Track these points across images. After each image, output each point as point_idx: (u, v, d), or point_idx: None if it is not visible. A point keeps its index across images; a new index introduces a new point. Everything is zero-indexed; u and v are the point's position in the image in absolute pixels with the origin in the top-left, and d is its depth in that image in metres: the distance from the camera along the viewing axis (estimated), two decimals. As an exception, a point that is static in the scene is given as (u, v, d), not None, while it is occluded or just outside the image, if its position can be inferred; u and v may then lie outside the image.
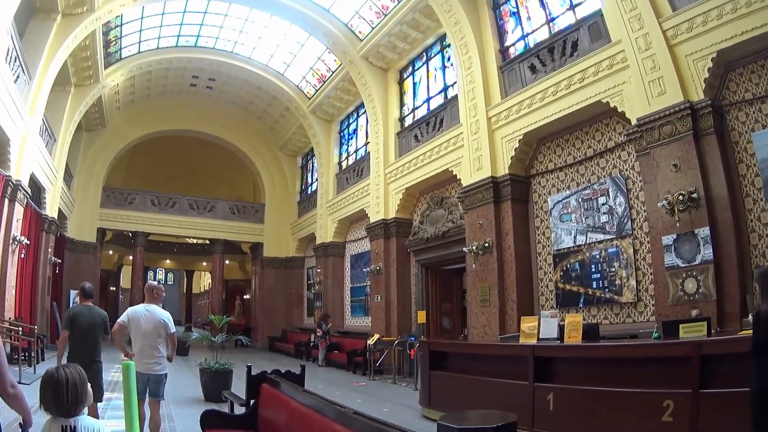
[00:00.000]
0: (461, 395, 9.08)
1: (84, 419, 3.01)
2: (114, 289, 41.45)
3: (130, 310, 7.07)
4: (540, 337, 8.40)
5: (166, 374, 6.97)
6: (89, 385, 3.14)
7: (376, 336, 16.00)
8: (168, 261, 46.20)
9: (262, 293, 28.03)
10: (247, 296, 39.76)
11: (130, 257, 30.49)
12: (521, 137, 12.70)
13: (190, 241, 47.16)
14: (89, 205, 24.97)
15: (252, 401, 6.43)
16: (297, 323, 26.86)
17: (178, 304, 56.35)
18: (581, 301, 11.23)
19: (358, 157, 21.84)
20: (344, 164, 22.99)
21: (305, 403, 4.88)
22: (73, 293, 22.84)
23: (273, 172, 28.53)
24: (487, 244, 12.81)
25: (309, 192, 27.01)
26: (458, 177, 14.51)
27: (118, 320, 6.94)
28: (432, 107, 17.05)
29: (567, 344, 7.78)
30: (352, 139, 22.79)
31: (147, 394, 6.67)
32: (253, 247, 29.36)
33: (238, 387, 9.10)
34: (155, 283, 7.54)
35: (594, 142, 11.59)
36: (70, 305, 22.75)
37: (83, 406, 3.03)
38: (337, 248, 22.35)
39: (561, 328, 8.13)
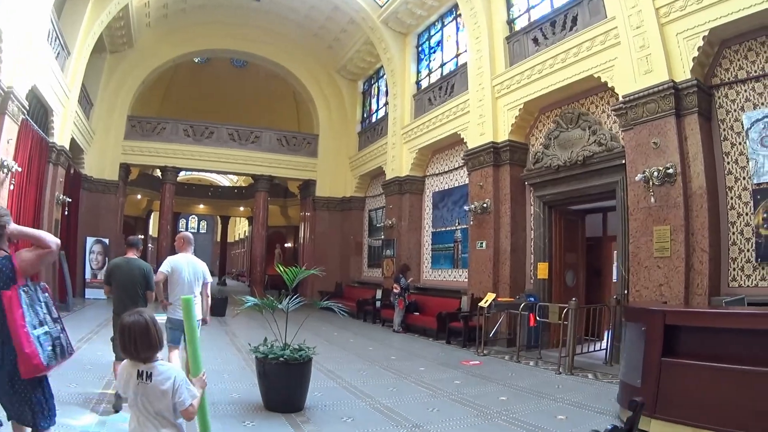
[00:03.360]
0: (717, 398, 5.48)
1: (160, 365, 3.08)
2: (142, 237, 37.09)
3: (172, 259, 7.25)
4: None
5: (201, 320, 6.87)
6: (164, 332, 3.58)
7: (491, 296, 11.86)
8: (201, 206, 42.28)
9: (313, 240, 24.03)
10: (288, 245, 36.36)
11: (158, 202, 26.48)
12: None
13: (226, 183, 45.66)
14: (111, 137, 21.37)
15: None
16: (355, 275, 23.04)
17: (211, 254, 53.22)
18: None
19: (444, 73, 17.41)
20: (424, 83, 18.60)
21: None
22: (90, 241, 19.38)
23: (329, 99, 24.24)
24: (670, 170, 9.08)
25: (374, 120, 22.78)
26: (609, 84, 10.81)
27: (161, 270, 7.11)
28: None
29: None
30: (435, 52, 18.31)
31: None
32: (304, 186, 25.38)
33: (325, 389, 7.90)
34: (187, 233, 7.70)
35: None
36: (87, 256, 19.37)
37: (157, 351, 3.10)
38: (415, 184, 18.18)
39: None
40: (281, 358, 6.69)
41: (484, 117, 13.93)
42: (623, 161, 10.50)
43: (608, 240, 14.25)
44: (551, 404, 7.52)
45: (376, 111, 22.71)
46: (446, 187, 16.87)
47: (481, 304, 11.66)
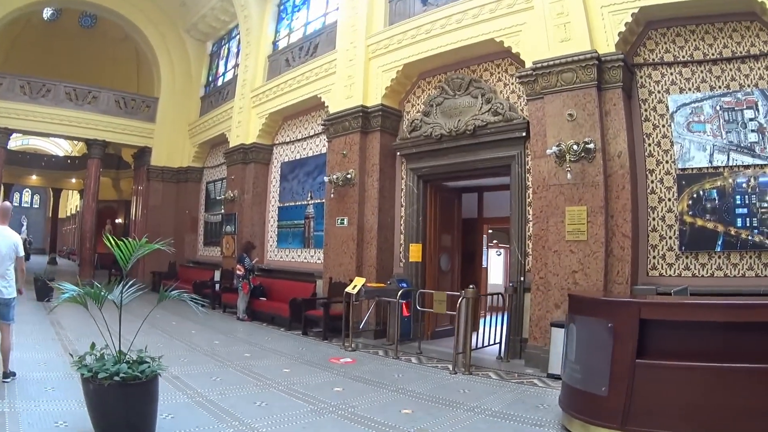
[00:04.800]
0: (697, 402, 4.59)
1: None
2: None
3: None
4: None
5: (14, 297, 6.44)
6: None
7: (360, 281, 9.76)
8: (34, 177, 37.17)
9: (145, 214, 20.61)
10: (119, 220, 32.67)
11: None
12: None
13: (60, 153, 40.90)
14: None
15: None
16: (190, 255, 20.06)
17: (43, 230, 48.01)
18: (719, 243, 7.53)
19: (308, 32, 14.92)
20: (282, 44, 16.02)
21: None
22: None
23: (174, 60, 20.96)
24: (590, 145, 7.91)
25: (220, 83, 19.81)
26: (513, 49, 9.50)
27: None
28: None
29: None
30: (299, 11, 15.74)
31: None
32: (139, 155, 21.90)
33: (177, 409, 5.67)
34: (7, 203, 6.94)
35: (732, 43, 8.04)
36: None
37: None
38: (262, 152, 15.65)
39: None
40: (116, 378, 4.36)
41: (354, 78, 11.75)
42: (524, 133, 9.20)
43: (482, 222, 12.70)
44: (472, 418, 5.76)
45: (224, 74, 19.76)
46: (298, 157, 14.52)
47: (349, 289, 9.53)
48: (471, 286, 8.44)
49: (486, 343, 9.10)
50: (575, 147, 7.89)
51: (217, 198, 18.44)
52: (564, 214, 8.11)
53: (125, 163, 27.04)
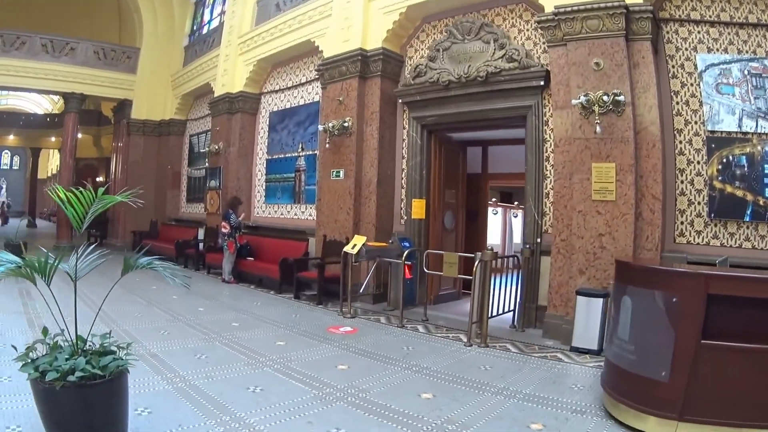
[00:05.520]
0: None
1: None
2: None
3: None
4: None
5: None
6: None
7: (361, 240, 8.61)
8: (11, 137, 35.76)
9: (125, 170, 19.21)
10: (101, 178, 31.30)
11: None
12: None
13: (39, 111, 38.93)
14: None
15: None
16: (172, 212, 18.80)
17: (24, 193, 45.97)
18: (748, 213, 6.75)
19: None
20: (272, -16, 14.56)
21: None
22: None
23: (157, 8, 19.42)
24: (620, 97, 6.92)
25: (205, 32, 18.27)
26: None
27: None
28: None
29: None
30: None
31: None
32: (119, 108, 20.32)
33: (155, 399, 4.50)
34: None
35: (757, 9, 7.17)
36: None
37: None
38: (249, 101, 14.29)
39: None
40: (70, 378, 3.18)
41: (351, 21, 10.45)
42: (542, 83, 8.12)
43: (487, 178, 11.65)
44: (504, 404, 4.81)
45: (209, 21, 18.24)
46: (288, 106, 13.22)
47: (348, 249, 8.43)
48: (489, 247, 7.46)
49: (497, 312, 7.97)
50: (605, 98, 6.89)
51: (201, 151, 17.11)
52: (590, 171, 7.11)
53: (106, 119, 25.44)
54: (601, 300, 6.60)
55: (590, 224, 7.06)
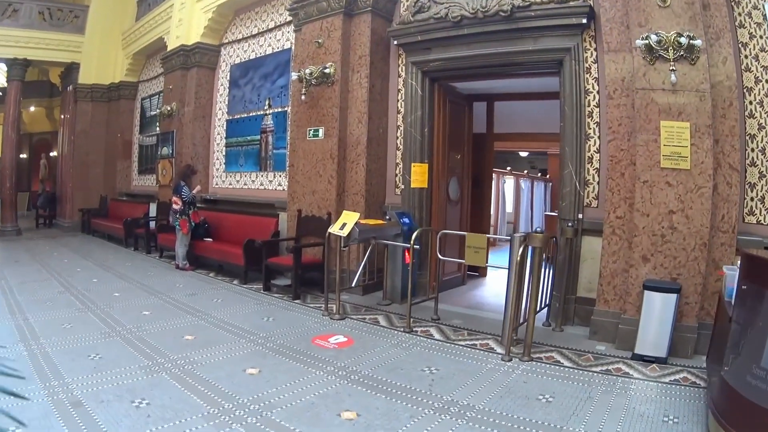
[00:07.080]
0: None
1: None
2: None
3: None
4: None
5: None
6: None
7: (352, 218, 6.24)
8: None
9: (72, 141, 16.72)
10: (54, 153, 28.69)
11: None
12: None
13: None
14: None
15: None
16: (123, 186, 16.34)
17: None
18: None
19: None
20: None
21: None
22: None
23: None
24: (696, 41, 5.18)
25: (159, -20, 15.68)
26: None
27: None
28: None
29: None
30: None
31: None
32: (66, 74, 17.67)
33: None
34: None
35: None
36: None
37: None
38: (207, 54, 11.87)
39: None
40: None
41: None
42: (584, 20, 6.14)
43: (492, 138, 9.56)
44: None
45: (164, -31, 15.78)
46: (253, 56, 10.85)
47: (335, 230, 6.12)
48: (537, 228, 5.35)
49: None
50: (681, 40, 5.08)
51: (153, 115, 14.70)
52: (658, 131, 5.29)
53: (59, 90, 22.81)
54: (674, 296, 4.88)
55: (658, 198, 5.25)
